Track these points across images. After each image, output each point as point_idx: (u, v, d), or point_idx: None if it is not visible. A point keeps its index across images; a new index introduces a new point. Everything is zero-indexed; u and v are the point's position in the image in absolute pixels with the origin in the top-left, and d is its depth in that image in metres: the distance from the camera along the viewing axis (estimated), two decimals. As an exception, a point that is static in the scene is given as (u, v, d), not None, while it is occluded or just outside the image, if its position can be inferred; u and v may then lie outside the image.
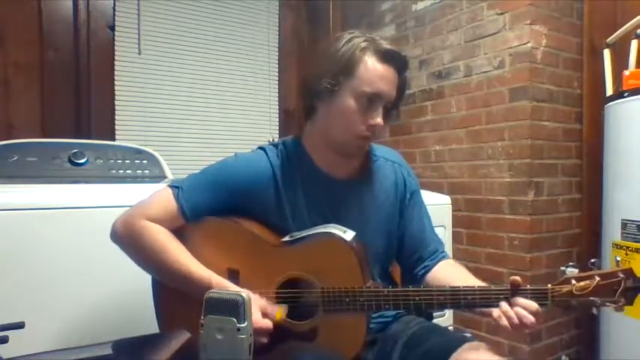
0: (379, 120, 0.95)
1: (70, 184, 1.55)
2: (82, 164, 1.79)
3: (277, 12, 2.96)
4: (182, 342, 0.95)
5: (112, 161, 1.87)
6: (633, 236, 1.62)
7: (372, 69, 0.93)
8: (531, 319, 0.83)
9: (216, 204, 1.00)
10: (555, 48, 2.05)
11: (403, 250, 1.10)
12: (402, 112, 2.50)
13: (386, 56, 0.94)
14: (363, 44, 0.94)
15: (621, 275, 0.83)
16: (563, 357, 2.10)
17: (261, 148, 1.06)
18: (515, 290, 0.86)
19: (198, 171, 1.05)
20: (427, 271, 1.08)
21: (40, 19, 2.21)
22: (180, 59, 2.60)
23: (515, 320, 0.84)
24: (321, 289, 0.92)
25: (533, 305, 0.85)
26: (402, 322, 1.05)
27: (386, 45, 0.95)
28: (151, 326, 1.06)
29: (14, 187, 1.31)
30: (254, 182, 1.00)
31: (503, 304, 0.86)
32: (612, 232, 1.72)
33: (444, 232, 1.80)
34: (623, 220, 1.66)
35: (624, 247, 1.65)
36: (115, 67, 2.40)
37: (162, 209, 0.98)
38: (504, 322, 0.85)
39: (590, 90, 2.12)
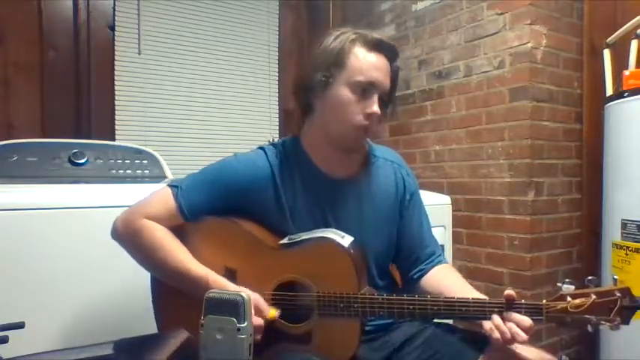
0: (375, 108, 0.96)
1: (70, 184, 1.55)
2: (82, 164, 1.79)
3: (277, 12, 2.96)
4: (181, 342, 0.95)
5: (112, 161, 1.87)
6: (633, 236, 1.62)
7: (363, 58, 0.95)
8: (524, 336, 0.83)
9: (215, 204, 1.00)
10: (555, 48, 2.05)
11: (401, 250, 1.10)
12: (402, 112, 2.50)
13: (375, 45, 0.97)
14: (353, 36, 0.96)
15: (618, 294, 0.82)
16: (563, 357, 2.10)
17: (260, 148, 1.06)
18: (510, 305, 0.85)
19: (198, 171, 1.05)
20: (422, 275, 1.08)
21: (40, 19, 2.21)
22: (180, 59, 2.60)
23: (508, 335, 0.83)
24: (317, 293, 0.92)
25: (527, 321, 0.84)
26: (414, 323, 1.04)
27: (374, 35, 0.97)
28: (152, 326, 1.06)
29: (14, 187, 1.32)
30: (253, 182, 1.00)
31: (496, 318, 0.85)
32: (612, 232, 1.72)
33: (444, 232, 1.80)
34: (623, 220, 1.66)
35: (624, 247, 1.65)
36: (115, 67, 2.40)
37: (162, 208, 0.99)
38: (496, 335, 0.84)
39: (590, 90, 2.12)
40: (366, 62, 0.95)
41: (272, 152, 1.04)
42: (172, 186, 1.01)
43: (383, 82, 0.97)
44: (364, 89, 0.95)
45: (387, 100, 1.00)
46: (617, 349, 1.71)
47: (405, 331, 1.03)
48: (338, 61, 0.95)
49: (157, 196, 1.01)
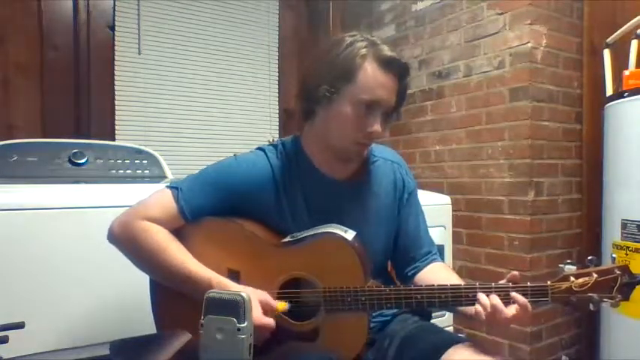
0: (377, 127, 0.95)
1: (70, 184, 1.55)
2: (82, 164, 1.79)
3: (277, 12, 2.96)
4: (180, 342, 0.95)
5: (112, 161, 1.87)
6: (633, 236, 1.62)
7: (372, 76, 0.92)
8: (507, 314, 0.84)
9: (216, 205, 1.00)
10: (555, 48, 2.05)
11: (397, 248, 1.11)
12: (402, 112, 2.50)
13: (386, 63, 0.93)
14: (364, 50, 0.92)
15: (617, 272, 0.85)
16: (563, 357, 2.10)
17: (260, 148, 1.06)
18: (515, 287, 0.87)
19: (198, 171, 1.05)
20: (416, 272, 1.09)
21: (40, 19, 2.20)
22: (180, 59, 2.60)
23: (489, 310, 0.85)
24: (323, 288, 0.92)
25: (520, 299, 0.85)
26: (399, 321, 1.06)
27: (387, 52, 0.93)
28: (152, 326, 1.06)
29: (14, 187, 1.31)
30: (253, 183, 1.00)
31: (481, 296, 0.86)
32: (612, 232, 1.72)
33: (444, 232, 1.80)
34: (623, 220, 1.66)
35: (624, 247, 1.65)
36: (115, 67, 2.40)
37: (162, 210, 0.98)
38: (481, 317, 0.86)
39: (590, 90, 2.12)
40: (374, 81, 0.92)
41: (272, 153, 1.04)
42: (172, 187, 1.00)
43: (389, 101, 0.95)
44: (368, 107, 0.93)
45: (391, 112, 0.99)
46: (617, 349, 1.71)
47: (393, 328, 1.04)
48: (346, 74, 0.92)
49: (157, 198, 1.00)
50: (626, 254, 1.64)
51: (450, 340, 0.93)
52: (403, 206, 1.10)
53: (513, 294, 0.86)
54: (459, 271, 1.07)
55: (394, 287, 0.92)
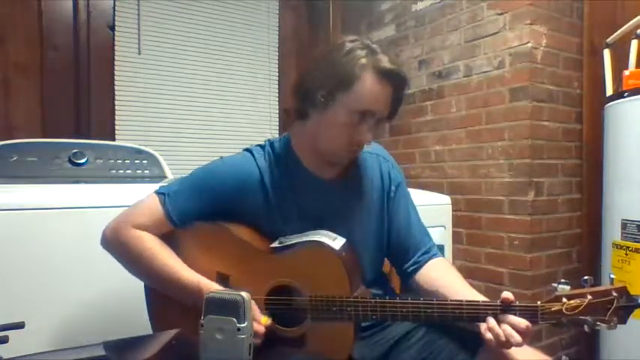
0: (367, 137, 0.95)
1: (70, 184, 1.54)
2: (82, 164, 1.79)
3: (277, 12, 2.96)
4: (176, 341, 0.94)
5: (112, 161, 1.87)
6: (633, 236, 1.62)
7: (370, 88, 0.92)
8: (518, 339, 0.82)
9: (204, 209, 0.99)
10: (555, 48, 2.04)
11: (390, 242, 1.09)
12: (402, 112, 2.50)
13: (385, 75, 0.93)
14: (363, 60, 0.91)
15: (614, 294, 0.80)
16: (563, 357, 2.10)
17: (247, 150, 1.06)
18: (505, 307, 0.84)
19: (185, 175, 1.04)
20: (417, 269, 1.06)
21: (40, 19, 2.21)
22: (181, 59, 2.60)
23: (502, 338, 0.82)
24: (309, 297, 0.92)
25: (523, 323, 0.82)
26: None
27: (386, 63, 0.93)
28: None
29: (14, 187, 1.31)
30: (241, 186, 1.00)
31: (490, 320, 0.84)
32: (612, 232, 1.72)
33: (444, 232, 1.80)
34: (623, 220, 1.66)
35: (624, 247, 1.65)
36: (115, 67, 2.40)
37: (150, 216, 0.98)
38: (489, 336, 0.83)
39: (590, 90, 2.12)
40: (371, 92, 0.92)
41: (260, 154, 1.03)
42: (159, 193, 1.00)
43: (383, 111, 0.96)
44: (361, 115, 0.94)
45: (383, 120, 0.99)
46: (617, 349, 1.71)
47: (402, 328, 1.02)
48: (344, 83, 0.91)
49: (145, 203, 1.00)
50: (626, 254, 1.64)
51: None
52: (391, 200, 1.09)
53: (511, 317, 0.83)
54: (459, 271, 1.06)
55: (380, 300, 0.91)
